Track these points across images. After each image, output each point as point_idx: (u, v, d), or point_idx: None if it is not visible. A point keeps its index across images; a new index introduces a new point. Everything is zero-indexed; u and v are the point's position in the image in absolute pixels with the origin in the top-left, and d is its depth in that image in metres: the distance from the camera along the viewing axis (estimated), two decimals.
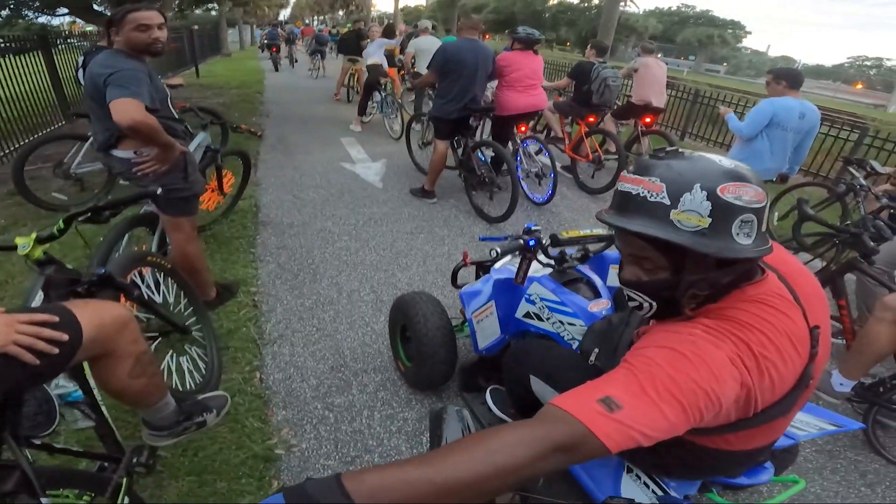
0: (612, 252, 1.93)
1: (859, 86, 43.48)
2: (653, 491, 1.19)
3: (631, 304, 0.95)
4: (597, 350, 1.29)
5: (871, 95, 32.99)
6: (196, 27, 14.79)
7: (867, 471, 2.02)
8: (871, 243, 2.19)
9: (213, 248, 3.18)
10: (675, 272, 0.86)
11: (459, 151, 4.30)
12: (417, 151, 5.22)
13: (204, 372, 1.99)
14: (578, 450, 0.68)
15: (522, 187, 4.47)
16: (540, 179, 4.38)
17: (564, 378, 1.34)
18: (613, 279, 1.90)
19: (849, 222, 3.57)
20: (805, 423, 1.42)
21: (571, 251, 1.76)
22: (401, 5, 32.19)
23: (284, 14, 52.16)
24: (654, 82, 5.42)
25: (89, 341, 1.05)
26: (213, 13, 20.24)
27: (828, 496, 1.90)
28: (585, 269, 1.77)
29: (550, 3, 37.06)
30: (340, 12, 46.37)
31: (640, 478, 1.22)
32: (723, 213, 0.80)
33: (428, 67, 4.00)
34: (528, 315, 1.69)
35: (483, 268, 2.01)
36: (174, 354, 1.93)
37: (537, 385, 1.43)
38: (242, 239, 3.36)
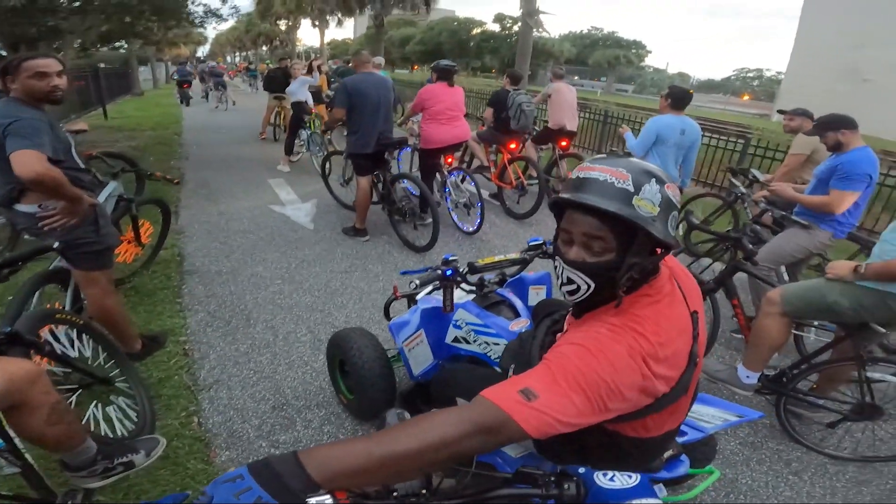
0: (530, 274, 2.08)
1: (746, 97, 48.61)
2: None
3: (566, 287, 1.01)
4: (513, 366, 1.39)
5: (757, 106, 37.00)
6: (103, 65, 14.00)
7: (791, 459, 2.18)
8: (750, 245, 2.50)
9: (134, 301, 3.04)
10: (620, 254, 0.95)
11: (380, 186, 4.38)
12: (338, 189, 5.24)
13: (136, 419, 1.96)
14: (500, 432, 0.80)
15: (452, 218, 4.64)
16: (469, 209, 4.55)
17: None
18: (533, 299, 2.05)
19: (730, 228, 4.04)
20: (711, 416, 1.56)
21: (490, 276, 1.89)
22: (327, 39, 32.30)
23: (203, 51, 50.68)
24: (566, 106, 5.66)
25: (1, 395, 1.17)
26: (122, 51, 19.28)
27: (759, 486, 2.02)
28: (507, 292, 1.91)
29: (474, 32, 38.69)
30: (264, 48, 45.66)
31: None
32: (666, 206, 0.95)
33: (334, 106, 4.04)
34: (456, 340, 1.80)
35: (413, 300, 2.09)
36: (99, 404, 1.91)
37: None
38: (167, 290, 3.23)
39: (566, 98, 5.70)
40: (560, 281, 1.02)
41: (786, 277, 3.11)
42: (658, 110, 3.77)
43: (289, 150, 6.84)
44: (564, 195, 0.98)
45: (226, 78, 16.03)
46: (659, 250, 1.00)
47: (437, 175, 4.63)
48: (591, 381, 0.85)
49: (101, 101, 12.13)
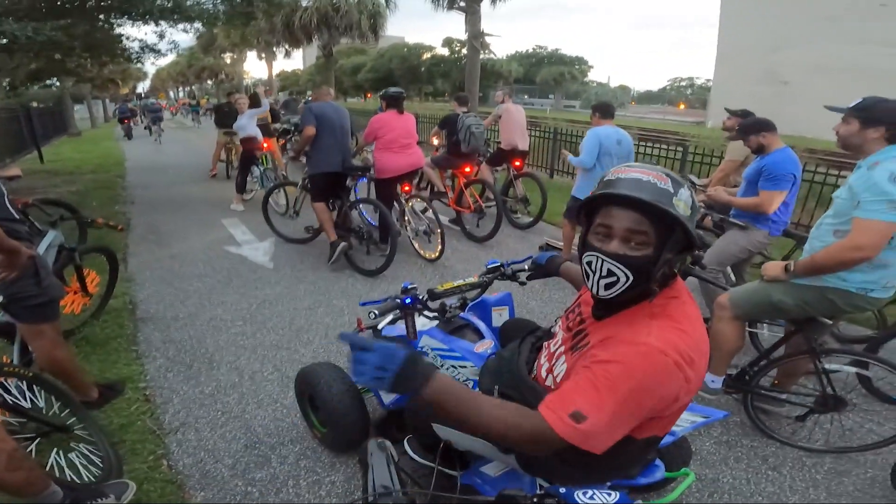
0: (491, 296, 2.13)
1: (681, 106, 51.56)
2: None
3: (605, 280, 1.05)
4: (497, 386, 1.41)
5: (692, 114, 39.23)
6: (35, 104, 13.33)
7: (767, 454, 2.22)
8: (697, 251, 2.64)
9: (87, 351, 2.92)
10: (657, 249, 1.02)
11: (334, 214, 4.41)
12: (284, 223, 5.27)
13: (101, 465, 1.90)
14: (550, 445, 0.98)
15: (413, 246, 4.65)
16: (429, 236, 4.56)
17: None
18: (496, 320, 2.08)
19: None
20: (680, 419, 1.65)
21: (452, 301, 1.91)
22: (276, 71, 32.06)
23: (143, 87, 49.28)
24: (516, 126, 5.73)
25: None
26: (54, 88, 18.46)
27: (741, 484, 2.05)
28: (470, 316, 1.94)
29: (424, 57, 39.32)
30: (209, 82, 44.70)
31: None
32: (693, 209, 1.05)
33: (303, 126, 4.10)
34: None
35: (377, 331, 2.09)
36: (60, 452, 1.86)
37: (441, 430, 1.52)
38: (120, 338, 3.10)
39: (516, 118, 5.76)
40: (597, 274, 1.06)
41: (732, 278, 3.27)
42: (591, 125, 4.04)
43: (241, 189, 6.64)
44: (615, 191, 1.04)
45: (167, 114, 16.14)
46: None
47: (396, 204, 4.65)
48: (637, 399, 0.96)
49: (36, 144, 11.49)
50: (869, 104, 1.92)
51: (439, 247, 4.45)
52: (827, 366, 2.17)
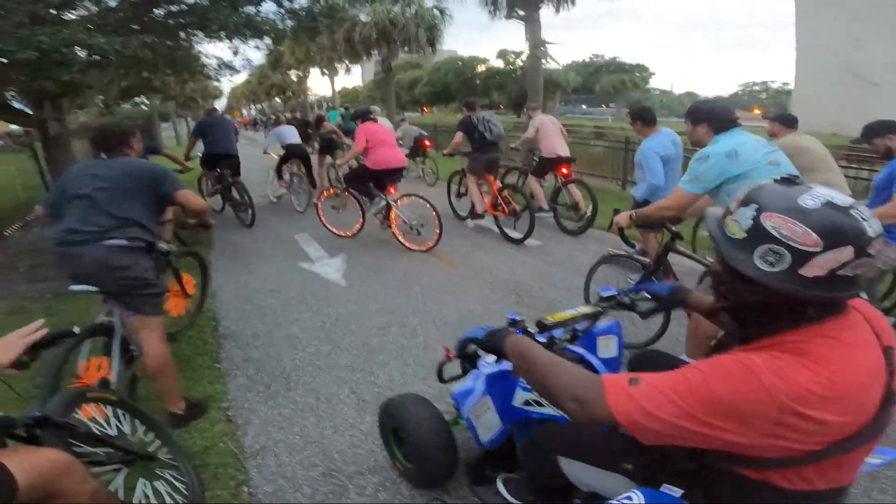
0: (598, 324, 1.94)
1: (756, 111, 48.33)
2: None
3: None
4: None
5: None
6: (127, 121, 14.48)
7: None
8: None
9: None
10: (726, 275, 0.99)
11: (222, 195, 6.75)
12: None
13: (185, 492, 1.88)
14: (589, 405, 0.93)
15: (402, 243, 5.31)
16: (419, 230, 5.21)
17: (598, 451, 1.35)
18: (602, 350, 1.91)
19: None
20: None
21: (560, 333, 1.76)
22: (337, 87, 33.39)
23: (220, 105, 53.13)
24: (553, 135, 5.92)
25: (27, 489, 1.10)
26: (144, 107, 20.03)
27: None
28: (577, 348, 1.79)
29: (479, 69, 39.45)
30: (277, 99, 47.42)
31: None
32: (756, 234, 0.90)
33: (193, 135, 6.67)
34: (527, 402, 1.70)
35: (473, 362, 1.98)
36: (147, 482, 1.83)
37: (569, 466, 1.40)
38: (205, 356, 3.20)
39: (551, 128, 5.97)
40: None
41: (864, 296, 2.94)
42: (637, 134, 4.03)
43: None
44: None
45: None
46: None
47: (379, 196, 5.30)
48: (700, 392, 0.86)
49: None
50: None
51: (435, 235, 5.05)
52: None
